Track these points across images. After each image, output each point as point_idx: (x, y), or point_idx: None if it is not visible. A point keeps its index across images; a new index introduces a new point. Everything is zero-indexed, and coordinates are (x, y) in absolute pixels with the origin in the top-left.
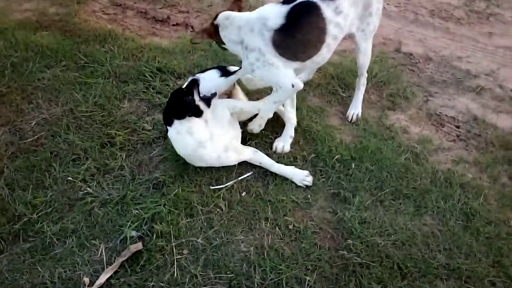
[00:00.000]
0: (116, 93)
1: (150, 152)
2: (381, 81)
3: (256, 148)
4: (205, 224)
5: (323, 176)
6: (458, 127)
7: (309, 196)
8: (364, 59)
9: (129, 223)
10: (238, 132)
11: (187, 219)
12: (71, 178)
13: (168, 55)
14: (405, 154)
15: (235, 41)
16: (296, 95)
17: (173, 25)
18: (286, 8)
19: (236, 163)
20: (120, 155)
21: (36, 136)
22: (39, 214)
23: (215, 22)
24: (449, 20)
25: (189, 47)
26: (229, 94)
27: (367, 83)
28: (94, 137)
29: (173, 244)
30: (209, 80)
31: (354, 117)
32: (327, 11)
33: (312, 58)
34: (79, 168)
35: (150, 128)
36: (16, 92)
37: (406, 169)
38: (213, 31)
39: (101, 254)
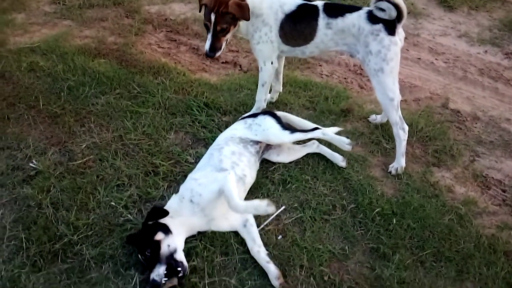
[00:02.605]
0: (164, 124)
1: None
2: (427, 136)
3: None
4: (239, 264)
5: (362, 228)
6: (504, 191)
7: (346, 247)
8: (380, 98)
9: None
10: None
11: (222, 257)
12: (114, 203)
13: (215, 92)
14: (449, 214)
15: (257, 14)
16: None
17: (223, 62)
18: (300, 2)
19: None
20: (162, 185)
21: (84, 159)
22: (80, 236)
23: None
24: (499, 80)
25: (236, 85)
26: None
27: (412, 137)
28: (140, 165)
29: (206, 281)
30: (268, 129)
31: (393, 171)
32: (321, 21)
33: (301, 47)
34: (123, 194)
35: (193, 161)
36: (70, 114)
37: (449, 230)
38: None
39: (135, 284)
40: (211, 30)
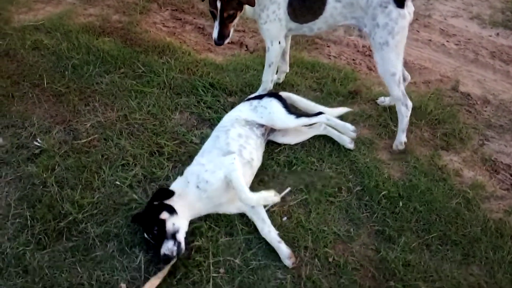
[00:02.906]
0: (169, 104)
1: None
2: (436, 119)
3: None
4: (243, 244)
5: (367, 210)
6: None
7: (351, 229)
8: (381, 72)
9: None
10: None
11: (226, 237)
12: (118, 183)
13: (221, 72)
14: (457, 198)
15: None
16: None
17: (229, 43)
18: None
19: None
20: (167, 165)
21: (89, 138)
22: (85, 214)
23: None
24: (510, 63)
25: (242, 66)
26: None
27: (421, 120)
28: (144, 144)
29: (211, 261)
30: (274, 113)
31: (394, 147)
32: None
33: (309, 23)
34: (127, 174)
35: (198, 141)
36: (74, 93)
37: (456, 214)
38: None
39: (139, 262)
40: (218, 17)
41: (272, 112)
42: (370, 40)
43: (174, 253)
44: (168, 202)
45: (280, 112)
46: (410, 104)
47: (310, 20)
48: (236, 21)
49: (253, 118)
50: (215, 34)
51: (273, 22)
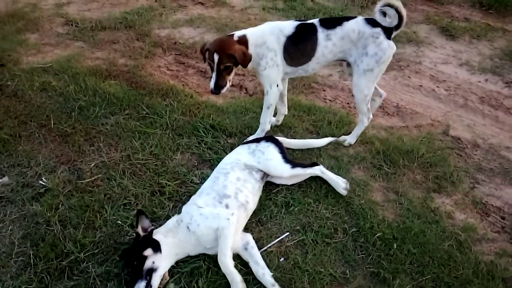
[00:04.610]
0: (171, 144)
1: None
2: (428, 162)
3: None
4: None
5: (363, 252)
6: (503, 218)
7: (347, 271)
8: (356, 93)
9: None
10: None
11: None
12: (120, 222)
13: (222, 114)
14: (449, 240)
15: (260, 43)
16: (341, 166)
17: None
18: (297, 23)
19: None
20: (168, 205)
21: (93, 178)
22: (86, 254)
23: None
24: (499, 108)
25: (241, 108)
26: None
27: (413, 163)
28: (146, 184)
29: None
30: (270, 160)
31: (341, 139)
32: (321, 34)
33: (303, 66)
34: (129, 213)
35: (198, 182)
36: (80, 133)
37: (449, 256)
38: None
39: None
40: (215, 69)
41: (269, 158)
42: (354, 67)
43: None
44: (158, 237)
45: (276, 159)
46: (371, 116)
47: (304, 62)
48: (232, 75)
49: (252, 163)
50: (212, 84)
51: (272, 68)
